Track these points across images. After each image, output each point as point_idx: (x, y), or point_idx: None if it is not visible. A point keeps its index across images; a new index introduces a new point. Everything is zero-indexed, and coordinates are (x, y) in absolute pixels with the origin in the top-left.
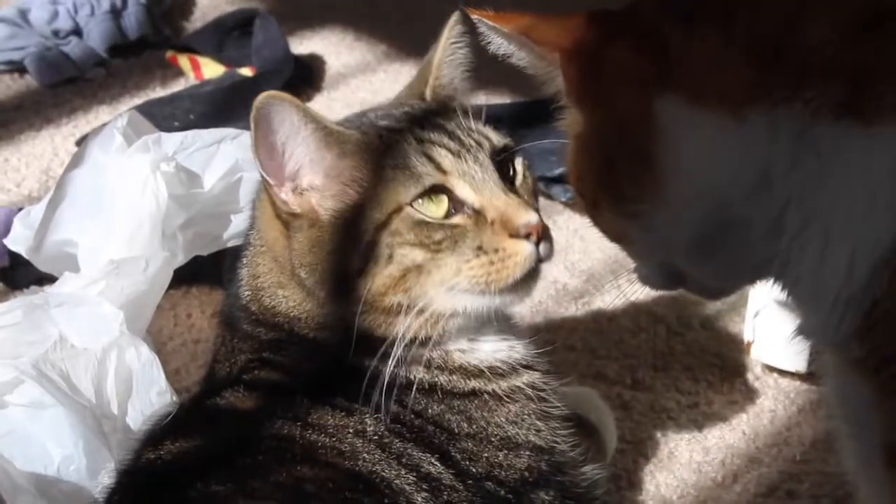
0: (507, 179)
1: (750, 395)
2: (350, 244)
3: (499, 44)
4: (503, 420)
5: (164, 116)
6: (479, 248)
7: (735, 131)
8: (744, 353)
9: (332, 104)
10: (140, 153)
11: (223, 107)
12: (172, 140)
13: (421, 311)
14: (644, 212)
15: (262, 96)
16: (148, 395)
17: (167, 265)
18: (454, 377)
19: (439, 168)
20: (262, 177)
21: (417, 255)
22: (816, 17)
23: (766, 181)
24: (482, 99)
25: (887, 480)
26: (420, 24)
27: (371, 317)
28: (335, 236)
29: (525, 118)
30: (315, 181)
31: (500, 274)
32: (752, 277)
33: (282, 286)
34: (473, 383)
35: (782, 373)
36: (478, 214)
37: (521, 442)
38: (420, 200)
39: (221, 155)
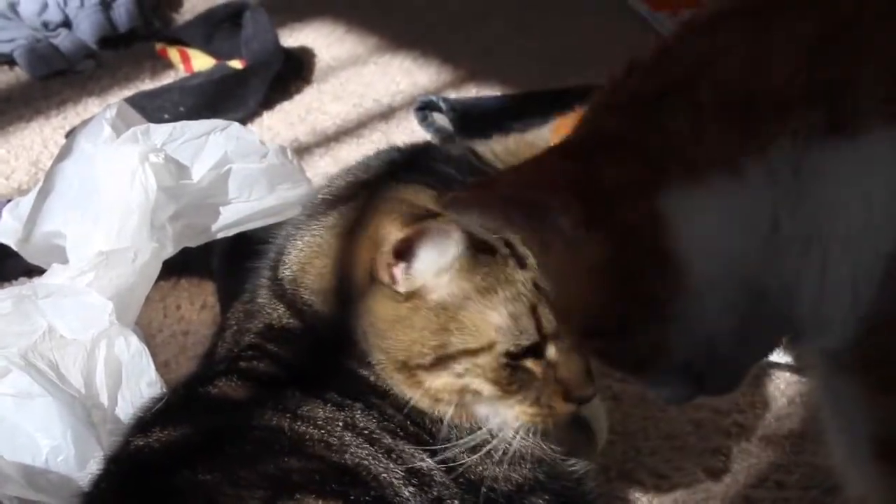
0: None
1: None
2: (430, 344)
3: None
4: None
5: (154, 109)
6: (538, 398)
7: (738, 190)
8: None
9: (322, 97)
10: (129, 144)
11: (213, 99)
12: (161, 131)
13: (464, 406)
14: (680, 309)
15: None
16: (138, 385)
17: (156, 256)
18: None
19: (540, 330)
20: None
21: (485, 388)
22: (776, 53)
23: (777, 228)
24: (472, 92)
25: (875, 473)
26: (411, 16)
27: (415, 391)
28: (419, 327)
29: (516, 111)
30: (429, 281)
31: (542, 421)
32: (779, 341)
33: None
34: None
35: (772, 365)
36: (550, 368)
37: (526, 456)
38: None
39: (210, 146)
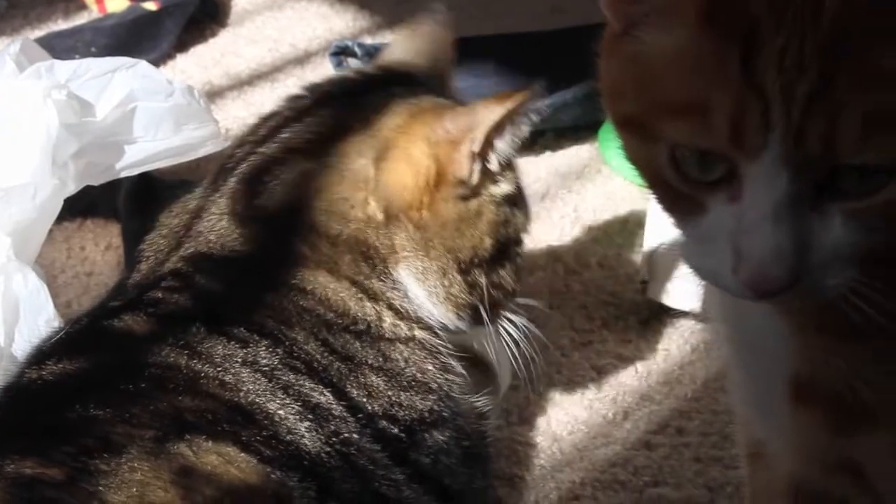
0: None
1: (643, 333)
2: (496, 235)
3: None
4: (429, 366)
5: (65, 49)
6: None
7: None
8: (639, 293)
9: (238, 40)
10: (31, 80)
11: (126, 40)
12: (66, 68)
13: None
14: None
15: None
16: (36, 322)
17: (57, 193)
18: (402, 323)
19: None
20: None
21: (511, 282)
22: None
23: None
24: (388, 38)
25: (791, 412)
26: None
27: (466, 295)
28: (486, 220)
29: None
30: (498, 172)
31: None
32: None
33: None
34: (419, 332)
35: (676, 312)
36: None
37: (434, 388)
38: None
39: (116, 84)
